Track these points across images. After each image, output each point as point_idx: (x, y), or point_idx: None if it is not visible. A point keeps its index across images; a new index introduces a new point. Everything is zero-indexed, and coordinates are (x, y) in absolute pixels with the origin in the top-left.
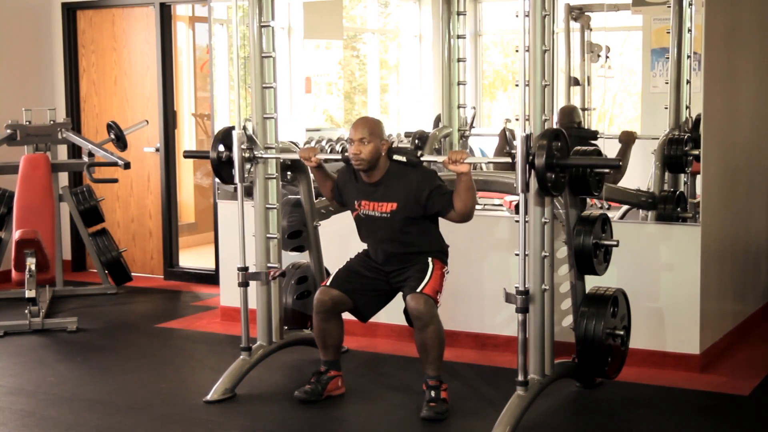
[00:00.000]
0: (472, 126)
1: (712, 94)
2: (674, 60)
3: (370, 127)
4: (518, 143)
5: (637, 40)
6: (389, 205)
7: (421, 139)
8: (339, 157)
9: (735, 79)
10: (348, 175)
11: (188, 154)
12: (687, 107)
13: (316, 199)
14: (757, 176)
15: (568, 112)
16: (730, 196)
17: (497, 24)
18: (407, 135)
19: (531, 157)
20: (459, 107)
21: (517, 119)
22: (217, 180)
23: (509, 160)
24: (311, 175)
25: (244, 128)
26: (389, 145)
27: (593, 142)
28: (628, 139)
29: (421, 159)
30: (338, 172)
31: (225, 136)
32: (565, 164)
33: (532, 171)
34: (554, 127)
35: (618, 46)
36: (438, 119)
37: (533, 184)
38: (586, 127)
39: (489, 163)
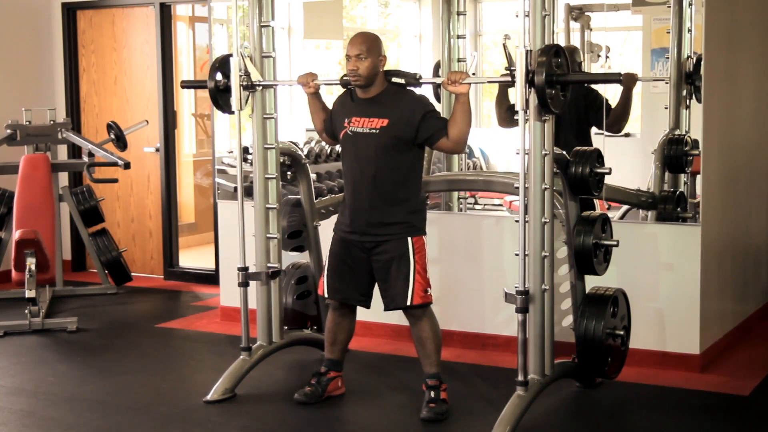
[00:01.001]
0: (473, 74)
1: (712, 94)
2: (674, 60)
3: (368, 42)
4: (518, 59)
5: (637, 40)
6: (380, 121)
7: None
8: (337, 81)
9: (735, 79)
10: (344, 97)
11: (186, 84)
12: (687, 106)
13: (316, 198)
14: (757, 176)
15: (570, 51)
16: (730, 196)
17: (497, 24)
18: None
19: (531, 74)
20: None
21: (516, 118)
22: (217, 180)
23: (509, 79)
24: (310, 176)
25: (242, 55)
26: (386, 60)
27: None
28: (629, 82)
29: (420, 81)
30: (334, 101)
31: (222, 64)
32: (565, 80)
33: (532, 88)
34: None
35: (618, 46)
36: (437, 66)
37: (533, 101)
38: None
39: (490, 82)
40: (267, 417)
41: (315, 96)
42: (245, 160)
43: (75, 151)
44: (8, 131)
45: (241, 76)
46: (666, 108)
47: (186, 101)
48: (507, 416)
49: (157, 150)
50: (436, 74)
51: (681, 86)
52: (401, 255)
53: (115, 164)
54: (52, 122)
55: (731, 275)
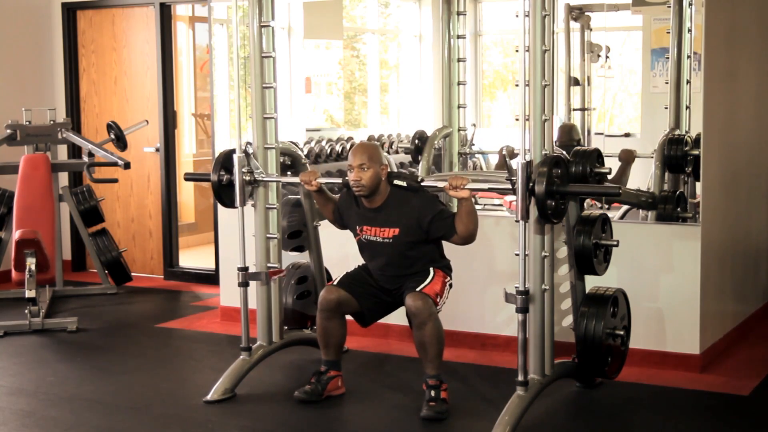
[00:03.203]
0: (472, 144)
1: (712, 94)
2: (674, 60)
3: (369, 153)
4: (518, 170)
5: (637, 40)
6: (391, 230)
7: (420, 140)
8: (339, 180)
9: (735, 79)
10: (349, 200)
11: (189, 177)
12: (687, 107)
13: None
14: (757, 176)
15: (568, 130)
16: (730, 197)
17: (497, 24)
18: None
19: (531, 184)
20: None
21: (517, 119)
22: None
23: (510, 186)
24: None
25: (245, 152)
26: (388, 169)
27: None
28: (627, 158)
29: (422, 184)
30: (339, 196)
31: (226, 159)
32: (566, 191)
33: (532, 198)
34: (554, 154)
35: (618, 46)
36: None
37: (533, 211)
38: (585, 145)
39: (490, 190)
40: (267, 417)
41: (319, 192)
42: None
43: (75, 151)
44: (8, 131)
45: (243, 171)
46: (666, 108)
47: (186, 101)
48: (507, 416)
49: (157, 150)
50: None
51: (681, 86)
52: (423, 273)
53: (115, 164)
54: (52, 122)
55: (731, 275)
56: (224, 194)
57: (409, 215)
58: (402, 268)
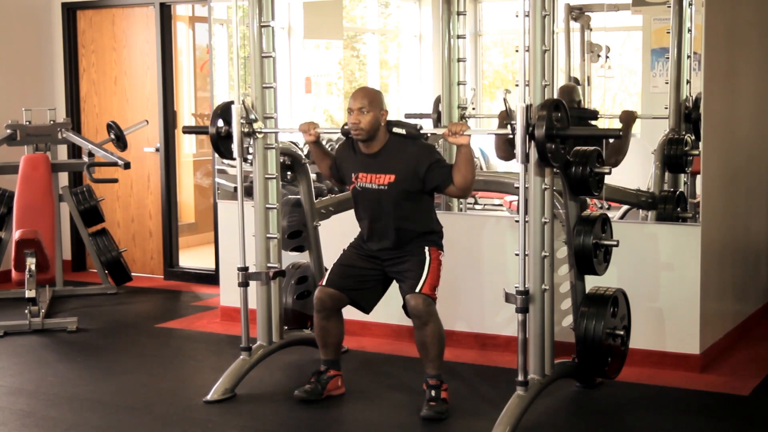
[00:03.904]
0: (472, 107)
1: (712, 94)
2: (674, 60)
3: (370, 96)
4: (518, 114)
5: (637, 40)
6: (387, 176)
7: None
8: (338, 129)
9: (735, 79)
10: (347, 148)
11: (187, 130)
12: (687, 107)
13: (316, 198)
14: (756, 176)
15: (568, 91)
16: (730, 196)
17: (497, 24)
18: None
19: (531, 128)
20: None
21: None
22: (217, 180)
23: (509, 131)
24: (310, 176)
25: (243, 102)
26: (388, 115)
27: (593, 122)
28: (628, 119)
29: (421, 131)
30: (336, 148)
31: (224, 111)
32: (565, 135)
33: (532, 142)
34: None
35: (618, 46)
36: (438, 101)
37: (533, 155)
38: (586, 107)
39: (490, 133)
40: (267, 417)
41: (316, 144)
42: (245, 160)
43: (75, 151)
44: (8, 131)
45: (242, 123)
46: (666, 108)
47: (186, 101)
48: (507, 416)
49: (157, 150)
50: (436, 108)
51: (681, 86)
52: (419, 261)
53: (115, 164)
54: (52, 122)
55: (731, 275)
56: (223, 146)
57: (407, 162)
58: (397, 221)
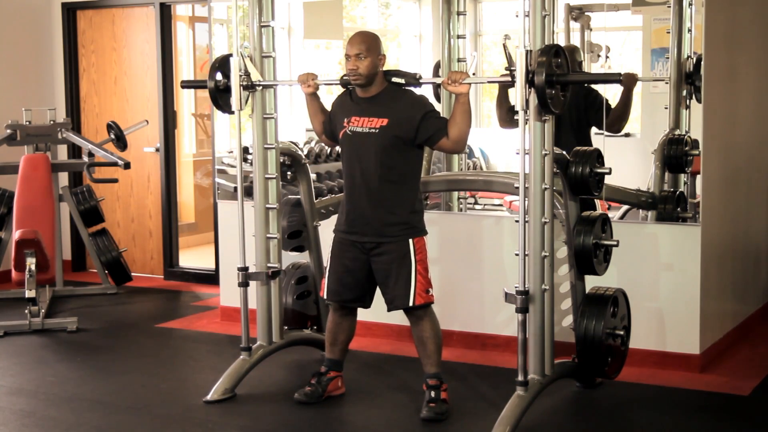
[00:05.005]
0: (474, 74)
1: (712, 94)
2: (674, 60)
3: (368, 41)
4: (518, 59)
5: (637, 40)
6: (380, 120)
7: None
8: (337, 81)
9: (735, 79)
10: (343, 97)
11: (185, 84)
12: (687, 106)
13: (316, 198)
14: (757, 176)
15: (570, 52)
16: (730, 196)
17: (497, 24)
18: None
19: (531, 74)
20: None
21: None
22: (217, 180)
23: (509, 79)
24: (310, 176)
25: (242, 55)
26: (386, 60)
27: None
28: (629, 82)
29: (420, 81)
30: (333, 102)
31: (222, 64)
32: (565, 80)
33: (532, 89)
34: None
35: (618, 46)
36: (437, 66)
37: (533, 101)
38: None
39: (490, 82)
40: (267, 417)
41: (313, 96)
42: (245, 160)
43: (75, 151)
44: (8, 131)
45: (241, 76)
46: (666, 108)
47: (186, 101)
48: (507, 416)
49: (157, 150)
50: (436, 74)
51: (681, 86)
52: (402, 256)
53: (115, 164)
54: (52, 122)
55: (731, 275)
56: (221, 99)
57: (402, 108)
58: (381, 172)
